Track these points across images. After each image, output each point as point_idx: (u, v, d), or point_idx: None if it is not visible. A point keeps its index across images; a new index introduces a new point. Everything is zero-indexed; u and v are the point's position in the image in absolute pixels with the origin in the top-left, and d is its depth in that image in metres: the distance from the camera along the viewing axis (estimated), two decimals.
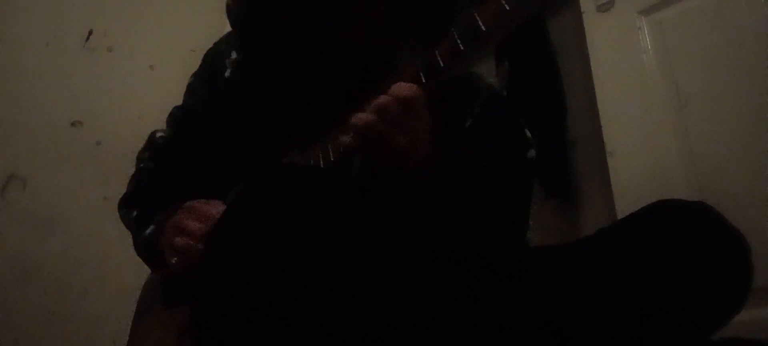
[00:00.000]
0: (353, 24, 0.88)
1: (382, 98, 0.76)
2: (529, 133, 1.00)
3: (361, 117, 0.76)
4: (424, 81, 0.78)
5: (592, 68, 1.86)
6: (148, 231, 0.96)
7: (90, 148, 1.93)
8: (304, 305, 0.64)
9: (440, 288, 0.67)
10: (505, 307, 0.76)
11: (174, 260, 0.88)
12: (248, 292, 0.65)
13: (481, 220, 0.85)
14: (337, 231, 0.65)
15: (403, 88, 0.77)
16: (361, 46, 0.90)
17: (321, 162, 0.86)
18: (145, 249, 0.98)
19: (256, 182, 0.71)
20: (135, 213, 1.02)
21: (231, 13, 0.97)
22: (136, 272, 1.08)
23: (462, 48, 0.75)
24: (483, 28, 0.73)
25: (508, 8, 0.71)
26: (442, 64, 0.77)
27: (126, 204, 1.05)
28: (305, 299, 0.64)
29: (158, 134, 1.08)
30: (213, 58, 1.06)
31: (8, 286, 1.72)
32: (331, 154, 0.85)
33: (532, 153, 0.99)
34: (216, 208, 0.87)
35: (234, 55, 1.02)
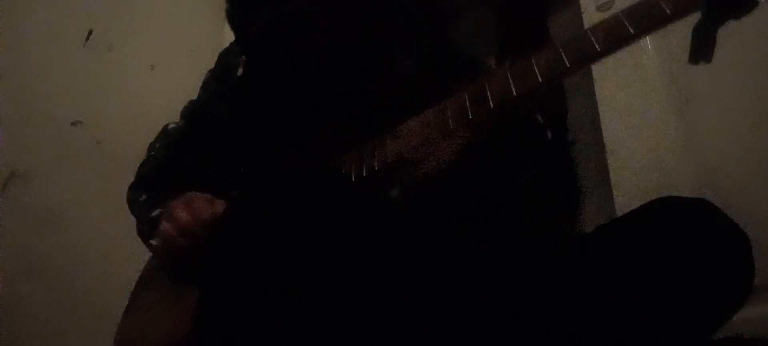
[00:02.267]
0: (331, 25, 0.88)
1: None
2: (540, 119, 1.00)
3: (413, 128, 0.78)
4: (470, 116, 0.76)
5: (592, 68, 1.86)
6: (154, 213, 0.97)
7: (90, 147, 1.93)
8: (307, 299, 0.64)
9: (444, 283, 0.67)
10: (506, 302, 0.76)
11: (154, 242, 0.91)
12: (252, 286, 0.65)
13: (497, 208, 0.85)
14: (340, 225, 0.65)
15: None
16: (346, 46, 0.90)
17: (353, 173, 0.84)
18: (149, 231, 0.99)
19: (260, 177, 0.71)
20: (144, 196, 1.03)
21: (228, 15, 0.98)
22: (138, 269, 1.09)
23: (514, 93, 0.73)
24: (540, 79, 0.71)
25: (568, 65, 0.70)
26: (491, 105, 0.75)
27: (136, 188, 1.07)
28: (308, 292, 0.64)
29: (171, 126, 1.10)
30: (227, 56, 1.08)
31: (11, 283, 1.71)
32: (364, 168, 0.82)
33: (548, 135, 0.99)
34: (210, 208, 0.88)
35: None
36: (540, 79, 0.72)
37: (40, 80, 1.91)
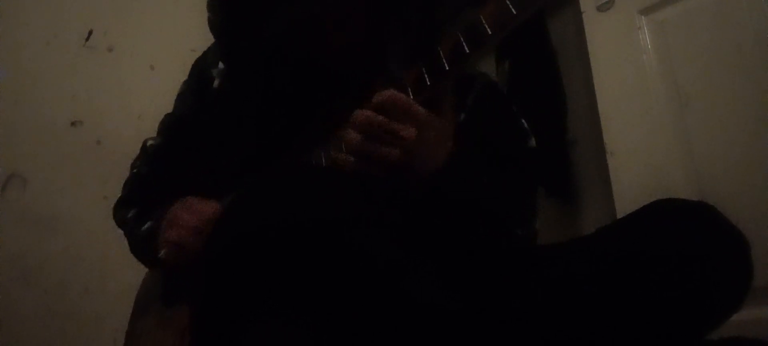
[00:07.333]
0: (333, 30, 0.88)
1: (362, 114, 0.74)
2: (525, 123, 1.00)
3: (350, 137, 0.75)
4: (428, 84, 0.77)
5: (592, 68, 1.86)
6: (145, 226, 0.97)
7: (90, 147, 1.93)
8: (305, 302, 0.64)
9: (443, 285, 0.67)
10: (505, 304, 0.76)
11: (163, 253, 0.89)
12: (249, 290, 0.65)
13: (485, 215, 0.84)
14: (338, 228, 0.65)
15: (381, 95, 0.74)
16: (344, 52, 0.90)
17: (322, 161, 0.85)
18: (143, 245, 0.98)
19: (257, 180, 0.71)
20: (132, 213, 1.02)
21: (212, 25, 0.97)
22: (136, 272, 1.08)
23: (467, 51, 0.73)
24: (489, 31, 0.71)
25: (514, 12, 0.70)
26: (446, 68, 0.75)
27: (122, 206, 1.06)
28: (306, 296, 0.64)
29: (149, 142, 1.09)
30: (201, 68, 1.06)
31: (9, 285, 1.72)
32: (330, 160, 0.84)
33: (532, 142, 0.99)
34: (211, 207, 0.88)
35: (221, 64, 1.03)
36: (489, 32, 0.71)
37: (40, 80, 1.91)
